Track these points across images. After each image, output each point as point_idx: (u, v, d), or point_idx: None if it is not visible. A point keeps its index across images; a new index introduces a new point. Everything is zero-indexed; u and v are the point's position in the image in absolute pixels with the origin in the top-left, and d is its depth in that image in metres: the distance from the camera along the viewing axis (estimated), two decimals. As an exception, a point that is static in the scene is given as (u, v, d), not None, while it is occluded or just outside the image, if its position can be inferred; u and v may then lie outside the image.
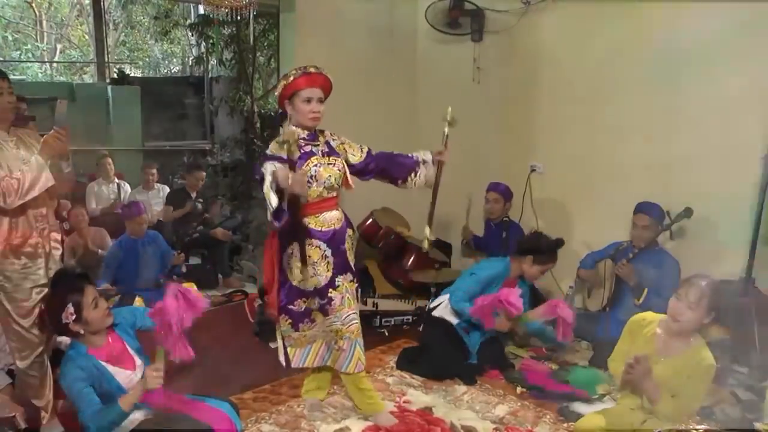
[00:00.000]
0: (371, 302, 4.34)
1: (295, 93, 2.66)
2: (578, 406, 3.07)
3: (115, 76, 8.70)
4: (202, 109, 8.67)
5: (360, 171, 2.89)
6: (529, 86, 4.68)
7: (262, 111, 7.65)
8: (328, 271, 2.73)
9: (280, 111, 2.79)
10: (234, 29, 7.38)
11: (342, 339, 2.78)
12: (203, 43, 7.98)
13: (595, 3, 4.22)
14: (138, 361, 2.40)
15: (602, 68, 4.22)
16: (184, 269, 4.76)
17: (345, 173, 2.79)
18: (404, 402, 3.18)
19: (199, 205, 5.51)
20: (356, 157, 2.86)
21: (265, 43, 7.71)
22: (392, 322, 4.24)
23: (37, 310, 2.64)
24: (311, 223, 2.70)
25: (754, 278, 3.55)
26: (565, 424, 2.98)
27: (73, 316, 2.25)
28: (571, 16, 4.38)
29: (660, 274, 3.51)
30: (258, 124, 7.41)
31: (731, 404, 3.02)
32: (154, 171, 5.92)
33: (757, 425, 2.71)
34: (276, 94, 2.75)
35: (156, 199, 5.78)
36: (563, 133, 4.50)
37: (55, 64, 11.68)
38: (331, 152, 2.78)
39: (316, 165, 2.68)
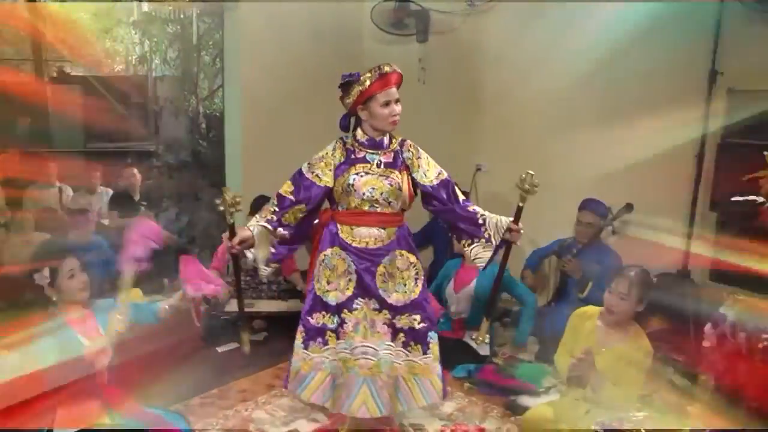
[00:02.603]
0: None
1: (371, 97, 2.46)
2: (525, 400, 3.12)
3: (54, 74, 8.40)
4: (146, 109, 8.45)
5: (424, 194, 2.60)
6: (474, 86, 4.74)
7: (208, 111, 7.52)
8: (348, 289, 2.51)
9: (352, 116, 2.58)
10: (178, 27, 7.24)
11: (348, 371, 2.49)
12: (147, 42, 7.80)
13: (537, 3, 4.31)
14: None
15: (545, 68, 4.31)
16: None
17: (404, 190, 2.51)
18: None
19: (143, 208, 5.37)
20: (426, 178, 2.57)
21: (210, 43, 7.57)
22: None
23: None
24: (343, 232, 2.52)
25: (690, 270, 3.70)
26: (513, 418, 3.03)
27: (47, 280, 2.27)
28: (514, 17, 4.46)
29: (603, 269, 3.61)
30: (203, 125, 7.29)
31: (668, 391, 3.13)
32: (98, 174, 5.75)
33: None
34: (347, 101, 2.51)
35: (99, 203, 5.61)
36: (508, 133, 4.58)
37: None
38: (393, 164, 2.53)
39: (357, 174, 2.47)
